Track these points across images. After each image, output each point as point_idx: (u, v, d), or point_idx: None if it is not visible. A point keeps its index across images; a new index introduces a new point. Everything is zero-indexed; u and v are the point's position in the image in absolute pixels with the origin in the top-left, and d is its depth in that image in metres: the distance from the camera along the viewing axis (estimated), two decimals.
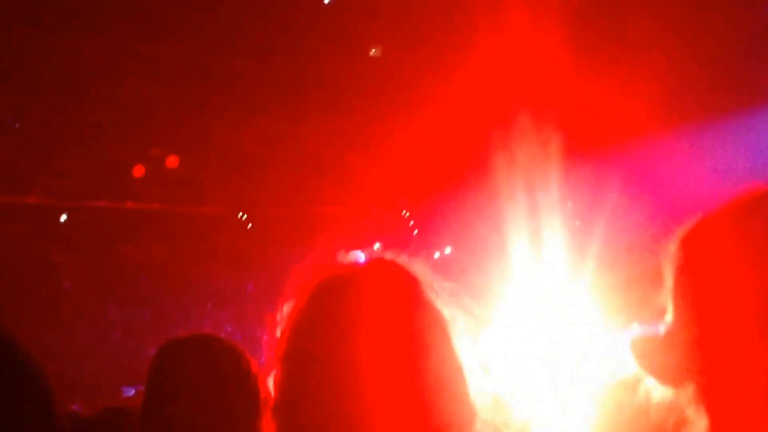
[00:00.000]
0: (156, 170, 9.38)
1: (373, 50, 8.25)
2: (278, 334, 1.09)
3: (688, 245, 0.98)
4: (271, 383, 1.08)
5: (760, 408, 0.88)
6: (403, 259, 1.12)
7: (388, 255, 1.12)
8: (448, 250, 10.76)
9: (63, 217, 9.80)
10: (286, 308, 1.10)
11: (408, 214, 11.19)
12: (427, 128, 8.61)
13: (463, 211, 9.56)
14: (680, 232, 1.00)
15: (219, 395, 1.69)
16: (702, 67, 7.29)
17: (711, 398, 0.92)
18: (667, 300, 0.98)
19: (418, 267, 1.11)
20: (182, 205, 10.15)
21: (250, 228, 10.56)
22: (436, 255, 10.21)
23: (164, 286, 11.00)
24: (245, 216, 10.52)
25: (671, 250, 0.99)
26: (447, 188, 9.55)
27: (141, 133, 8.67)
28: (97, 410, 2.52)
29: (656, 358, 0.98)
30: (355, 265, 1.11)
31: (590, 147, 7.88)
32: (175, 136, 9.02)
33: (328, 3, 7.47)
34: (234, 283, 10.90)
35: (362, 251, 1.13)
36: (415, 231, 11.06)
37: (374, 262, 1.12)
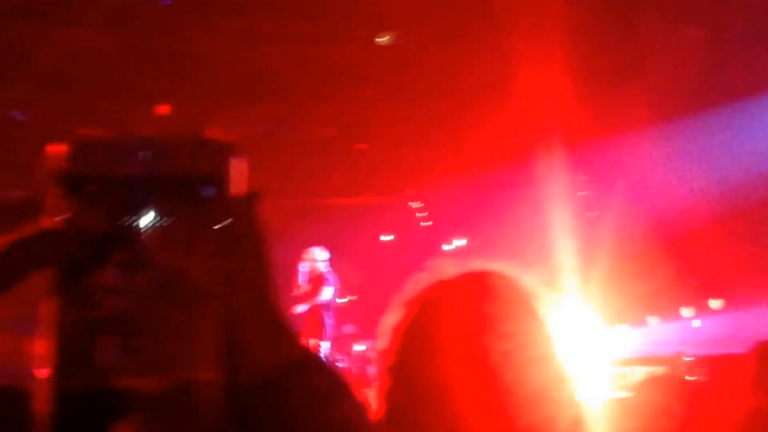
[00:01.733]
0: None
1: (382, 38, 8.14)
2: (385, 344, 1.10)
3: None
4: (376, 394, 1.09)
5: None
6: (511, 271, 1.12)
7: (496, 266, 1.12)
8: (461, 242, 10.66)
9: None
10: (394, 318, 1.10)
11: (421, 205, 11.10)
12: (441, 119, 8.52)
13: (476, 203, 9.46)
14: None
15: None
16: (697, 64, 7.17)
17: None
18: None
19: (528, 279, 1.11)
20: None
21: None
22: (450, 246, 10.12)
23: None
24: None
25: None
26: (460, 180, 9.46)
27: (149, 125, 8.62)
28: None
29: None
30: (465, 276, 1.12)
31: (597, 144, 7.79)
32: (183, 125, 8.96)
33: None
34: None
35: (468, 262, 1.13)
36: (429, 222, 10.98)
37: (479, 274, 1.12)
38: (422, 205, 11.09)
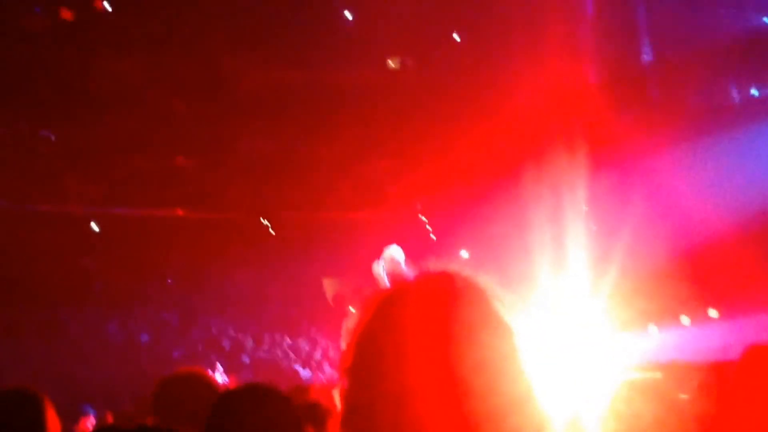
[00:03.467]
0: (181, 179, 9.62)
1: (392, 62, 8.41)
2: (344, 346, 1.09)
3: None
4: (337, 395, 1.09)
5: None
6: (468, 272, 1.11)
7: (453, 268, 1.11)
8: (465, 254, 10.90)
9: (93, 225, 10.06)
10: (353, 321, 1.09)
11: (426, 219, 11.32)
12: (448, 134, 8.75)
13: (482, 215, 9.68)
14: None
15: None
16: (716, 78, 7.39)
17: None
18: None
19: (484, 279, 1.10)
20: (206, 212, 10.38)
21: (272, 233, 10.74)
22: (457, 257, 10.34)
23: (189, 289, 11.22)
24: (267, 222, 10.70)
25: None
26: (467, 193, 9.68)
27: (167, 144, 8.91)
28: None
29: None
30: (421, 278, 1.10)
31: (610, 155, 7.98)
32: (199, 146, 9.25)
33: (351, 18, 7.66)
34: (256, 286, 11.09)
35: (425, 263, 1.13)
36: (433, 236, 11.19)
37: (440, 275, 1.10)
38: (428, 219, 11.33)
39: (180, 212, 10.23)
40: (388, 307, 1.07)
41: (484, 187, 9.28)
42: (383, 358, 1.03)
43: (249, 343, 10.80)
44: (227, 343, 10.71)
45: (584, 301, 7.37)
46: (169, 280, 11.45)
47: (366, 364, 1.05)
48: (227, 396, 1.86)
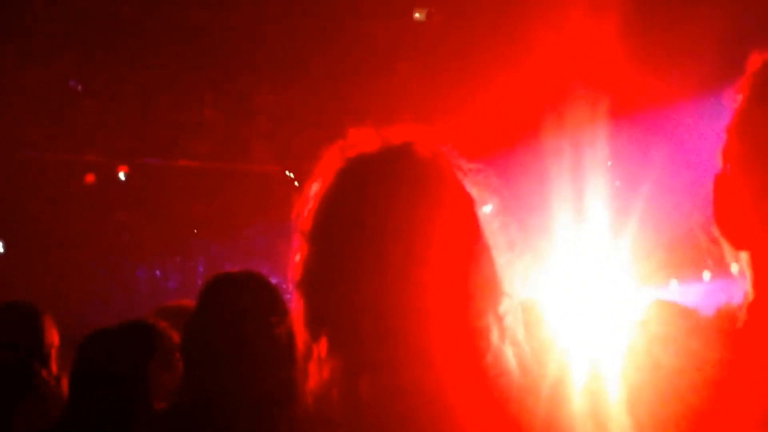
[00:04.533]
0: (206, 130, 9.71)
1: (418, 14, 8.35)
2: (305, 212, 1.08)
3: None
4: (296, 261, 1.07)
5: None
6: (433, 138, 1.09)
7: (419, 135, 1.09)
8: (489, 208, 10.91)
9: (121, 175, 10.23)
10: (314, 187, 1.08)
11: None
12: (468, 87, 8.72)
13: (505, 169, 9.67)
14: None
15: (262, 327, 1.74)
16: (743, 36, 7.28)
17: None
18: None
19: (447, 147, 1.09)
20: (233, 163, 10.50)
21: (298, 185, 10.84)
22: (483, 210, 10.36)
23: (215, 240, 11.44)
24: (292, 174, 10.81)
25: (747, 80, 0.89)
26: (488, 146, 9.66)
27: (193, 95, 8.98)
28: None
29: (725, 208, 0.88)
30: (384, 143, 1.08)
31: (634, 109, 7.94)
32: (225, 97, 9.31)
33: None
34: (281, 239, 11.25)
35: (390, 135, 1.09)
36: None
37: (403, 142, 1.08)
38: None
39: (209, 164, 10.35)
40: (350, 173, 1.06)
41: (505, 140, 9.28)
42: (342, 226, 1.03)
43: None
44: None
45: (606, 255, 7.43)
46: (195, 230, 11.66)
47: (327, 231, 1.04)
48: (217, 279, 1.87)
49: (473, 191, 1.09)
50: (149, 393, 1.93)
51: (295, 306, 1.06)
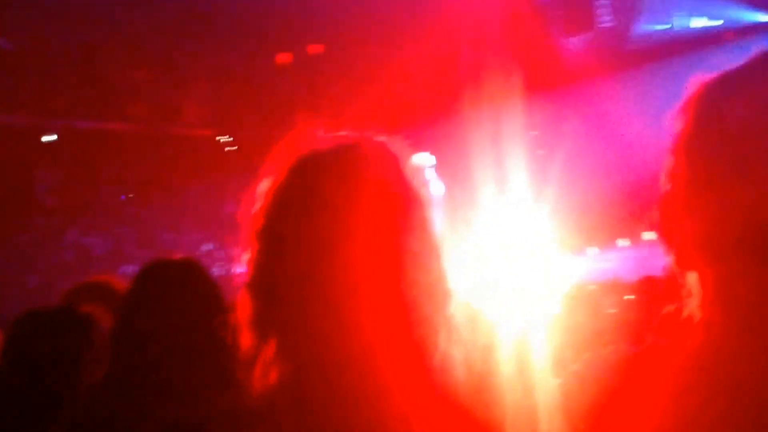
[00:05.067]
0: (141, 92, 9.53)
1: None
2: (254, 210, 1.07)
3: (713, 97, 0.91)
4: (245, 260, 1.06)
5: None
6: (383, 138, 1.09)
7: (369, 133, 1.09)
8: (438, 206, 11.07)
9: (48, 137, 9.97)
10: (264, 184, 1.07)
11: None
12: (385, 60, 8.79)
13: (430, 138, 9.86)
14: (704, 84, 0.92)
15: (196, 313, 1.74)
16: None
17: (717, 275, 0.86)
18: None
19: (398, 146, 1.09)
20: (166, 126, 10.34)
21: (233, 150, 10.76)
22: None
23: (146, 205, 11.25)
24: (228, 137, 10.71)
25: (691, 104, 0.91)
26: (415, 117, 9.83)
27: (129, 56, 8.77)
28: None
29: (675, 226, 0.91)
30: (335, 141, 1.08)
31: (552, 82, 8.19)
32: (162, 59, 9.15)
33: None
34: (214, 203, 11.17)
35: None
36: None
37: (353, 139, 1.08)
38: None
39: (140, 127, 10.14)
40: (301, 171, 1.06)
41: (425, 112, 9.38)
42: (292, 224, 1.02)
43: (203, 256, 10.98)
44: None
45: (528, 223, 7.75)
46: (123, 196, 11.46)
47: (276, 230, 1.03)
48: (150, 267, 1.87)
49: (423, 190, 1.07)
50: (79, 383, 1.94)
51: (242, 306, 1.04)
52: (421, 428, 0.98)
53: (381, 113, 10.35)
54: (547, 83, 8.22)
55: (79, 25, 8.02)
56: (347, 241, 1.00)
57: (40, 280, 9.75)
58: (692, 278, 0.91)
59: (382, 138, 1.09)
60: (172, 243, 11.09)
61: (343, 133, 1.09)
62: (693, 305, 0.91)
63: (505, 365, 1.07)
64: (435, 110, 9.05)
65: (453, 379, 1.02)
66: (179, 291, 1.79)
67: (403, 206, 1.04)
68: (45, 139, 9.94)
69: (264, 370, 1.01)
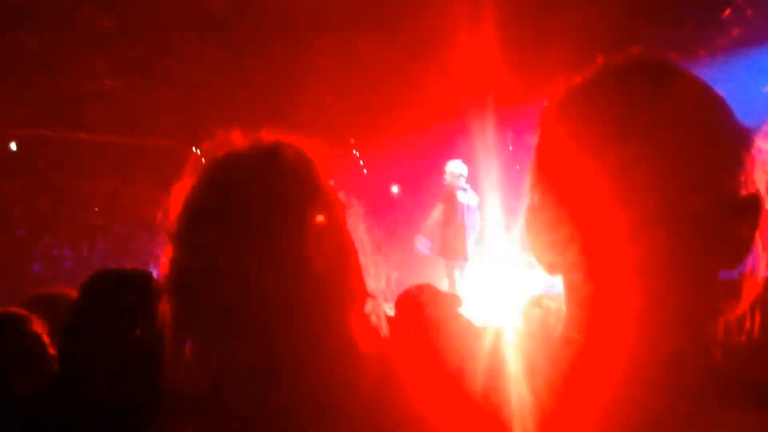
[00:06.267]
0: (109, 101, 9.40)
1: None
2: (171, 212, 1.07)
3: (547, 117, 0.92)
4: (163, 263, 1.06)
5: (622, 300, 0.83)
6: (301, 141, 1.09)
7: (286, 137, 1.09)
8: (395, 189, 11.13)
9: (13, 145, 9.79)
10: (181, 187, 1.07)
11: (358, 153, 11.46)
12: (376, 69, 8.80)
13: (409, 153, 9.90)
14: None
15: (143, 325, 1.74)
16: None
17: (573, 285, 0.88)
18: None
19: (317, 150, 1.08)
20: (134, 137, 10.21)
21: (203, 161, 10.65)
22: (389, 192, 10.55)
23: (115, 217, 11.10)
24: (197, 149, 10.62)
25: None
26: (395, 130, 9.84)
27: (95, 64, 8.67)
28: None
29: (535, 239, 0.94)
30: (252, 144, 1.08)
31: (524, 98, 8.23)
32: (129, 67, 9.03)
33: None
34: None
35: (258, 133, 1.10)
36: (365, 170, 11.37)
37: (270, 143, 1.08)
38: (359, 154, 11.47)
39: (109, 137, 10.03)
40: (216, 173, 1.05)
41: (412, 123, 9.41)
42: (210, 227, 1.01)
43: None
44: (155, 269, 10.71)
45: (502, 236, 7.74)
46: (96, 208, 11.30)
47: (194, 232, 1.02)
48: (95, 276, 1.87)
49: (340, 194, 1.08)
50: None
51: (163, 309, 1.03)
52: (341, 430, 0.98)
53: (358, 125, 10.36)
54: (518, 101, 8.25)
55: (43, 30, 7.89)
56: (259, 244, 0.99)
57: (8, 293, 9.53)
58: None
59: (299, 140, 1.09)
60: (144, 254, 10.93)
61: (259, 135, 1.08)
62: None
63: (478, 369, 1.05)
64: (415, 121, 9.04)
65: (372, 381, 1.01)
66: (108, 303, 1.78)
67: (317, 208, 1.03)
68: (10, 147, 9.77)
69: (185, 373, 1.00)
